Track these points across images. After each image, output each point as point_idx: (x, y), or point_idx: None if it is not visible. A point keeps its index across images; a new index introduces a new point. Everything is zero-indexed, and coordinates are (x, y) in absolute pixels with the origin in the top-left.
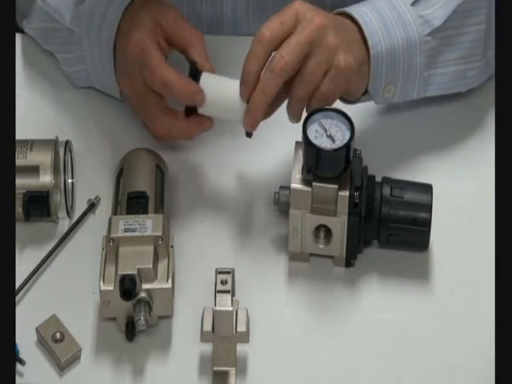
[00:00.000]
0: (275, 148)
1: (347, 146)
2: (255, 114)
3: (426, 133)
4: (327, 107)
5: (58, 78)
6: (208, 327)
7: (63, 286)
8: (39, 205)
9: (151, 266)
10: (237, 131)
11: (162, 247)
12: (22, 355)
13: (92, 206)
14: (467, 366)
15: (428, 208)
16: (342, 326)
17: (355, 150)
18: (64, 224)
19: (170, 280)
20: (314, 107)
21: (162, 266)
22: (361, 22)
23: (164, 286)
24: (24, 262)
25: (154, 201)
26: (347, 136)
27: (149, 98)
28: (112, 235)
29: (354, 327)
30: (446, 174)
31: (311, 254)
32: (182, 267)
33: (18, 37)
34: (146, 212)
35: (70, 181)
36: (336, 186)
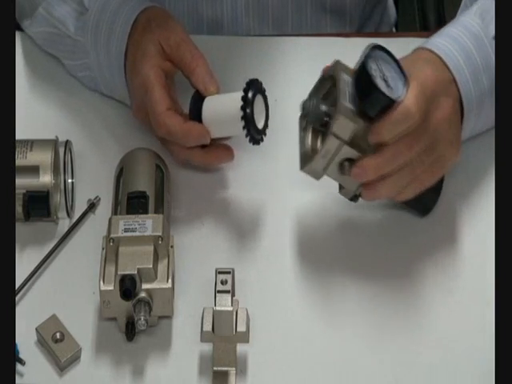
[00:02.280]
0: (275, 148)
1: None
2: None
3: None
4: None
5: (59, 77)
6: (208, 327)
7: (63, 286)
8: (39, 205)
9: (151, 266)
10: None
11: (162, 247)
12: (21, 355)
13: (92, 206)
14: (467, 366)
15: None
16: (342, 326)
17: None
18: (64, 224)
19: (169, 280)
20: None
21: (162, 265)
22: (456, 77)
23: (164, 285)
24: (24, 262)
25: (154, 201)
26: (400, 90)
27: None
28: (112, 235)
29: (355, 328)
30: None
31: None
32: (181, 267)
33: (18, 36)
34: (146, 212)
35: (70, 181)
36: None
